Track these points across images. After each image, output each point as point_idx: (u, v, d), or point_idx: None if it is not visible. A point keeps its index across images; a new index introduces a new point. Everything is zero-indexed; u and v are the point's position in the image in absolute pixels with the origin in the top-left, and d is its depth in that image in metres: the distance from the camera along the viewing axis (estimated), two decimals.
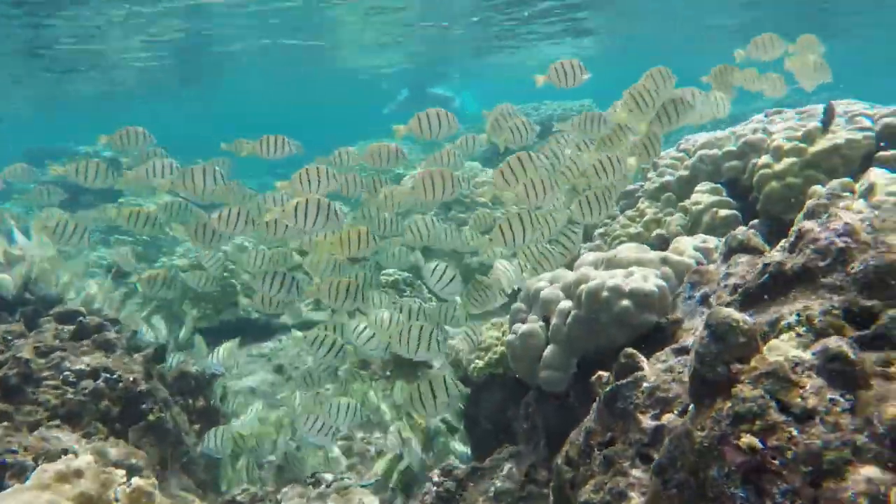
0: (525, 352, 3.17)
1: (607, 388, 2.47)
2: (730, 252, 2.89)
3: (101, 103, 20.41)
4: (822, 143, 3.47)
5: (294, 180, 3.52)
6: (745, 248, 2.84)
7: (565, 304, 3.08)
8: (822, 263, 2.17)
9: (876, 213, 2.45)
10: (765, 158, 3.61)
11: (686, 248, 3.28)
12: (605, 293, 2.85)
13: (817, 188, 3.34)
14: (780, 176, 3.49)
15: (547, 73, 3.51)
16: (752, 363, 1.82)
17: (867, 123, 3.61)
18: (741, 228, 3.00)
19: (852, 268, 2.08)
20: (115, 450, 3.40)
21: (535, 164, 3.28)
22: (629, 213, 4.40)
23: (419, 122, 3.57)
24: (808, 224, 2.39)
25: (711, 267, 2.89)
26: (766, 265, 2.34)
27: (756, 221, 3.59)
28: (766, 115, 4.33)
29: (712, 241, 3.36)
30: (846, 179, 3.34)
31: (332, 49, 16.30)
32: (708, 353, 1.87)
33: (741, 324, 1.86)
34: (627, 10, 14.23)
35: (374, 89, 23.68)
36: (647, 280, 2.87)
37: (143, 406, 4.11)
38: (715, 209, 3.71)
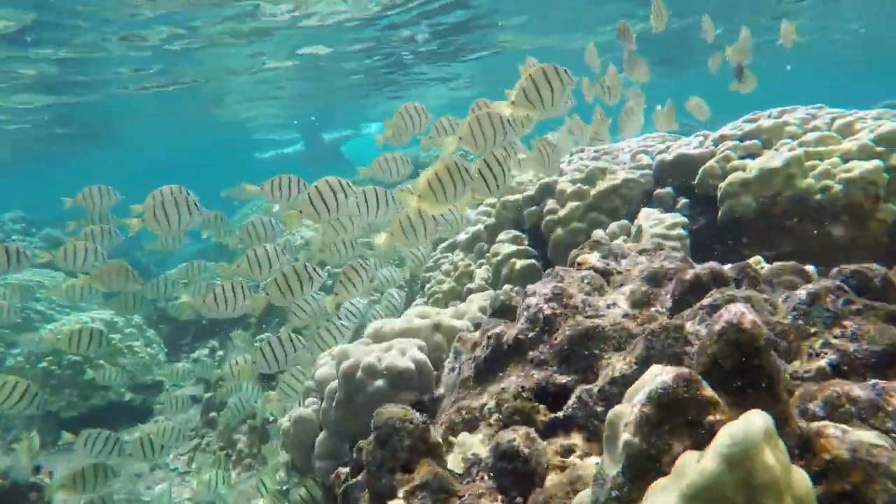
0: (299, 439, 2.87)
1: (342, 488, 2.19)
2: (492, 315, 2.71)
3: None
4: (602, 184, 3.40)
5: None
6: (507, 309, 2.66)
7: (334, 384, 2.80)
8: (531, 334, 1.99)
9: (608, 265, 2.33)
10: (551, 203, 3.52)
11: (470, 309, 3.09)
12: (359, 373, 2.60)
13: (598, 232, 3.24)
14: (564, 222, 3.39)
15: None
16: (417, 470, 1.59)
17: (647, 161, 3.58)
18: (506, 287, 2.84)
19: (556, 338, 1.91)
20: None
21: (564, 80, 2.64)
22: (445, 266, 4.23)
23: (396, 121, 3.25)
24: (532, 286, 2.23)
25: (475, 334, 2.69)
26: (488, 337, 2.15)
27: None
28: (570, 154, 4.28)
29: None
30: (624, 222, 3.27)
31: (216, 99, 15.80)
32: (373, 460, 1.63)
33: (407, 424, 1.64)
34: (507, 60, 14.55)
35: (265, 137, 23.38)
36: (405, 355, 2.64)
37: None
38: (513, 260, 3.56)
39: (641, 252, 2.51)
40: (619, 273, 2.31)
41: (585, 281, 2.13)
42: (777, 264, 2.13)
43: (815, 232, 3.03)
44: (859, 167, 3.00)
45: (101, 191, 4.16)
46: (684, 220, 3.07)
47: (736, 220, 3.12)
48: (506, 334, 2.06)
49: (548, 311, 1.97)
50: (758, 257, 2.70)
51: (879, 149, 3.22)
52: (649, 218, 3.05)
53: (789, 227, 3.06)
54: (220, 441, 6.59)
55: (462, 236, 4.27)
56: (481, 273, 3.77)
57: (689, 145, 3.52)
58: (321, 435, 2.81)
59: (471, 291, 3.80)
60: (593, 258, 2.36)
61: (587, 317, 1.94)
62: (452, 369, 2.64)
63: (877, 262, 3.11)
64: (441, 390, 2.61)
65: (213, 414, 6.88)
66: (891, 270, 1.74)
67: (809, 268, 2.27)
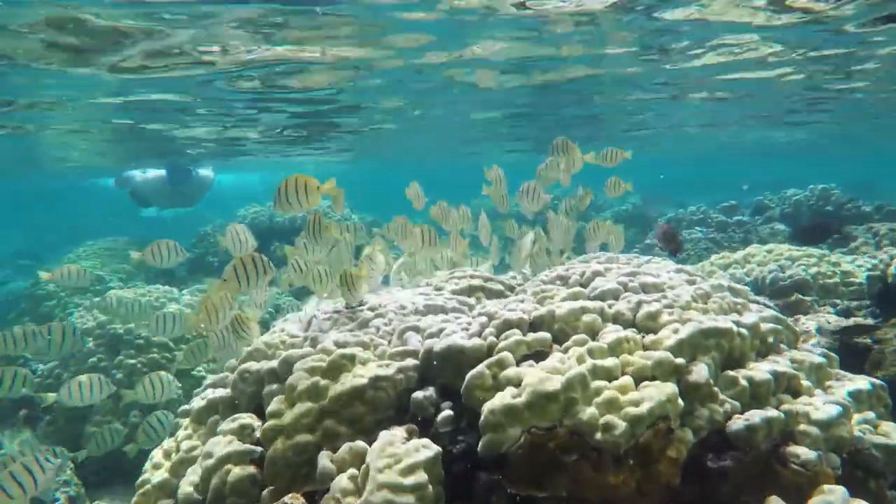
0: None
1: None
2: None
3: None
4: (345, 382, 2.59)
5: None
6: None
7: None
8: None
9: None
10: (276, 402, 2.65)
11: None
12: None
13: (323, 460, 2.40)
14: (289, 431, 2.53)
15: None
16: None
17: (415, 344, 2.82)
18: None
19: None
20: None
21: None
22: (167, 444, 3.23)
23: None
24: None
25: None
26: None
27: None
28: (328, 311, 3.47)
29: None
30: (358, 446, 2.44)
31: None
32: None
33: None
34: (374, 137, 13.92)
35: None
36: None
37: None
38: (228, 466, 2.64)
39: None
40: None
41: None
42: None
43: (595, 477, 2.36)
44: (650, 400, 2.38)
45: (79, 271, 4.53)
46: (431, 455, 2.30)
47: (501, 455, 2.40)
48: None
49: None
50: None
51: (679, 360, 2.64)
52: (383, 453, 2.26)
53: (566, 465, 2.38)
54: None
55: (198, 401, 3.30)
56: (193, 474, 2.81)
57: (466, 329, 2.80)
58: None
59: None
60: None
61: None
62: None
63: None
64: None
65: None
66: None
67: None
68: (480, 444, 2.39)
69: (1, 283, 18.94)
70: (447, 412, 2.56)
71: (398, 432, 2.41)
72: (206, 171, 15.23)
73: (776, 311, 3.68)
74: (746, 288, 3.84)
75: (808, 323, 4.60)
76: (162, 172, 14.05)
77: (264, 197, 15.27)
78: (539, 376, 2.42)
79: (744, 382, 2.72)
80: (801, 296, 5.29)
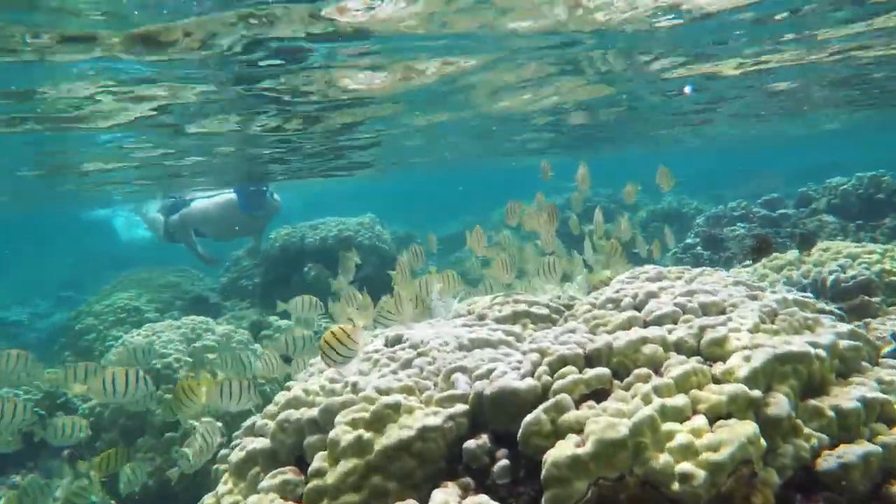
0: None
1: None
2: None
3: None
4: (391, 435, 2.39)
5: None
6: None
7: None
8: None
9: None
10: (318, 460, 2.47)
11: None
12: None
13: None
14: (332, 493, 2.35)
15: None
16: None
17: (463, 387, 2.62)
18: None
19: None
20: None
21: None
22: (208, 500, 3.09)
23: None
24: None
25: None
26: None
27: None
28: (384, 344, 3.29)
29: None
30: None
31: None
32: None
33: None
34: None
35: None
36: None
37: None
38: None
39: None
40: None
41: None
42: None
43: None
44: (729, 443, 2.14)
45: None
46: None
47: None
48: None
49: None
50: None
51: (755, 393, 2.39)
52: None
53: None
54: None
55: (237, 453, 3.15)
56: None
57: (517, 368, 2.59)
58: None
59: None
60: None
61: None
62: None
63: None
64: None
65: None
66: None
67: None
68: (544, 500, 2.17)
69: (44, 316, 19.25)
70: (504, 462, 2.35)
71: (452, 490, 2.21)
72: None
73: (847, 321, 3.39)
74: (812, 299, 3.55)
75: (880, 328, 4.27)
76: (229, 197, 11.00)
77: (298, 216, 14.82)
78: (603, 422, 2.20)
79: (830, 413, 2.45)
80: (866, 297, 4.94)
